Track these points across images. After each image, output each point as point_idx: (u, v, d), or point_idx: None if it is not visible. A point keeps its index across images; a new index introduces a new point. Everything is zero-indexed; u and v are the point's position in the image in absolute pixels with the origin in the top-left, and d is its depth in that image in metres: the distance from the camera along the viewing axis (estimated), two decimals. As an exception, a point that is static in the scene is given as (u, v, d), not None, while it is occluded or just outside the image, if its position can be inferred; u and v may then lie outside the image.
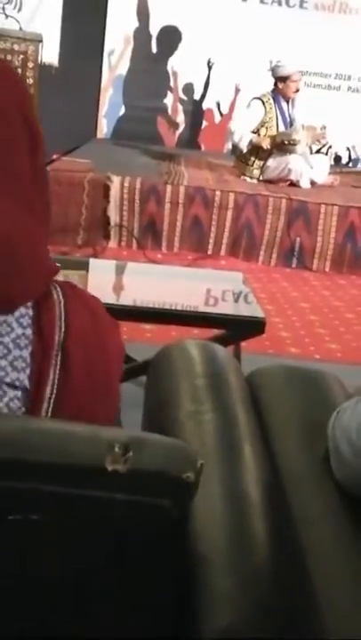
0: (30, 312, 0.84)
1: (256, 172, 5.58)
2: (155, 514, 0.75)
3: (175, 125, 7.45)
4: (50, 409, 0.83)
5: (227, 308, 2.90)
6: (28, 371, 0.82)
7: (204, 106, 7.39)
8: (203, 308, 2.81)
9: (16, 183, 0.83)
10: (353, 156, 7.25)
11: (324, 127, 5.79)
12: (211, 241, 5.12)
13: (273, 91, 5.56)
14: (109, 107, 7.35)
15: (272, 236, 5.13)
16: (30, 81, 4.78)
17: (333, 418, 1.03)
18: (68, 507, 0.75)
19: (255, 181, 5.54)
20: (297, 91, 5.57)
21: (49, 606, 0.78)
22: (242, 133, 5.53)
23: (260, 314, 2.70)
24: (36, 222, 0.85)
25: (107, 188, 5.01)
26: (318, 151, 6.01)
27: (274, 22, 6.96)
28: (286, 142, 5.48)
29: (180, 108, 7.43)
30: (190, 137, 7.46)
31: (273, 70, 5.60)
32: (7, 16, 6.03)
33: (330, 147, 6.16)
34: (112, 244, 5.04)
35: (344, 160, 7.28)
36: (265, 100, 5.53)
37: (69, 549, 0.77)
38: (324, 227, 5.13)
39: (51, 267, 0.87)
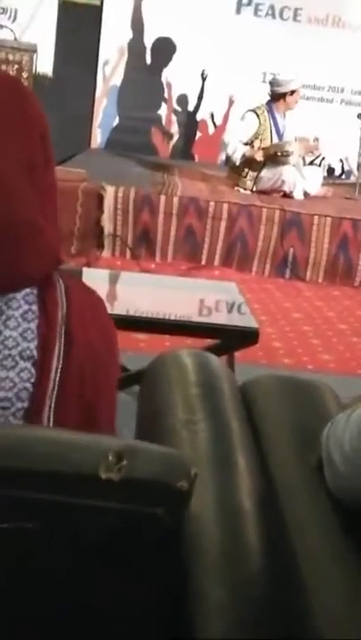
0: (35, 291, 0.93)
1: (249, 184, 5.59)
2: (148, 522, 0.75)
3: (169, 136, 7.47)
4: (57, 379, 0.90)
5: (220, 318, 2.91)
6: (36, 342, 0.90)
7: (198, 117, 7.40)
8: (196, 318, 2.81)
9: (33, 192, 0.92)
10: (346, 168, 7.27)
11: (317, 139, 5.81)
12: (204, 251, 5.12)
13: (268, 103, 5.58)
14: (104, 117, 7.36)
15: (265, 246, 5.14)
16: (25, 91, 4.78)
17: (328, 428, 1.03)
18: (61, 515, 0.75)
19: (249, 192, 5.54)
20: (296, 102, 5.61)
21: (43, 615, 0.78)
22: (235, 145, 5.53)
23: (253, 324, 2.70)
24: (46, 221, 0.95)
25: (101, 198, 5.01)
26: (311, 163, 6.04)
27: (268, 35, 6.99)
28: (279, 154, 5.49)
29: (174, 118, 7.44)
30: (184, 148, 7.47)
31: (280, 84, 5.53)
32: (2, 26, 6.03)
33: (323, 158, 6.17)
34: (106, 253, 5.03)
35: (337, 172, 7.30)
36: (259, 112, 5.53)
37: (63, 557, 0.77)
38: (318, 238, 5.14)
39: (56, 256, 0.97)
